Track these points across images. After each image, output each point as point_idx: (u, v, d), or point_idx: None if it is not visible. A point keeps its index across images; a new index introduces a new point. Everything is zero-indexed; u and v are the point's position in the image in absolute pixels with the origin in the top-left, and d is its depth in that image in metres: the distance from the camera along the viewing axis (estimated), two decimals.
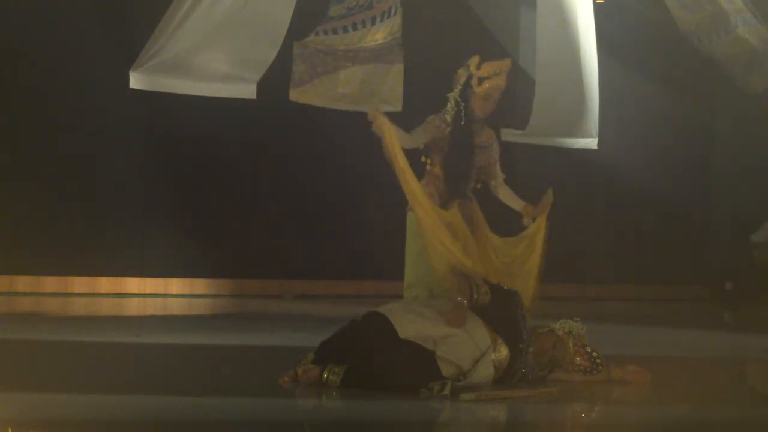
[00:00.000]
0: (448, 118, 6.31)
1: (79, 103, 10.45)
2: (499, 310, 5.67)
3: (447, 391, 5.13)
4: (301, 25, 10.84)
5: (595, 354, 5.80)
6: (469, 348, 5.42)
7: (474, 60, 6.35)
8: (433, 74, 11.78)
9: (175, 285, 10.85)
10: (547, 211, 6.31)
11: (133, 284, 10.67)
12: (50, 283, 10.36)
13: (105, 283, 10.56)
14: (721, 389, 6.21)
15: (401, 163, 6.02)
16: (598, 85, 12.10)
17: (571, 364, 5.78)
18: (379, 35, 11.19)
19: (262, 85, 10.55)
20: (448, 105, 6.36)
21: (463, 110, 6.29)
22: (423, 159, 6.47)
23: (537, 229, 6.29)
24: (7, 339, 6.98)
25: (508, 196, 6.53)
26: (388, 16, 11.21)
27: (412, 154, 6.37)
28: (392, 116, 11.54)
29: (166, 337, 7.47)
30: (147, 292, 10.66)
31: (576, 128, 12.19)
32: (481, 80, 6.29)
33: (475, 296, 5.66)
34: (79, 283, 10.46)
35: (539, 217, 6.32)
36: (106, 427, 4.44)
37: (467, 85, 6.30)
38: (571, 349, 5.77)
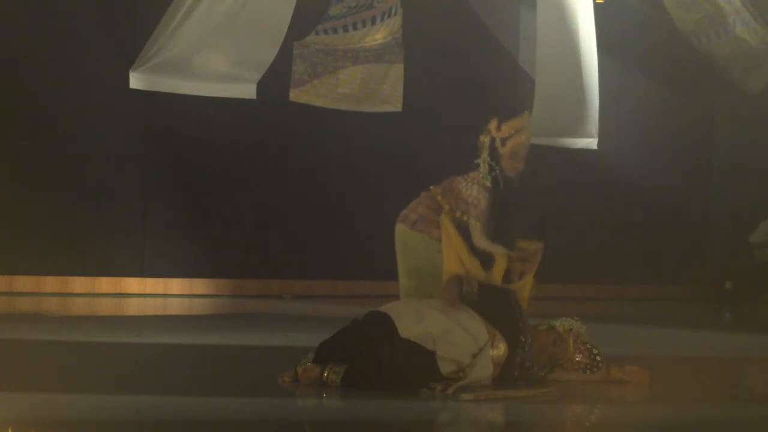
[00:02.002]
0: (488, 183, 6.34)
1: (79, 103, 10.44)
2: (496, 307, 5.69)
3: (450, 391, 5.14)
4: (301, 25, 10.85)
5: (595, 351, 5.80)
6: (468, 344, 5.42)
7: (493, 123, 6.37)
8: (433, 74, 11.89)
9: (175, 285, 10.85)
10: (535, 268, 6.28)
11: (133, 284, 10.67)
12: (50, 283, 10.36)
13: (105, 283, 10.56)
14: (721, 389, 6.21)
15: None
16: (598, 85, 12.12)
17: (571, 361, 5.78)
18: (379, 35, 11.21)
19: (262, 85, 10.56)
20: (481, 169, 6.37)
21: (498, 172, 6.33)
22: (431, 188, 6.52)
23: (524, 285, 6.28)
24: (7, 339, 6.98)
25: (485, 245, 6.52)
26: (389, 16, 11.22)
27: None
28: (392, 116, 11.67)
29: (166, 337, 7.46)
30: (147, 292, 10.66)
31: (576, 128, 12.21)
32: (504, 140, 6.32)
33: (465, 287, 5.70)
34: (79, 283, 10.46)
35: (527, 274, 6.29)
36: (106, 427, 4.44)
37: (493, 147, 6.33)
38: (571, 347, 5.77)
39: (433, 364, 5.28)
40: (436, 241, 6.39)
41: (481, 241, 6.29)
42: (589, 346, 5.81)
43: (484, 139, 6.39)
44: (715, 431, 5.05)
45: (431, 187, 6.54)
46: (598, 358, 5.80)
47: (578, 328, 5.84)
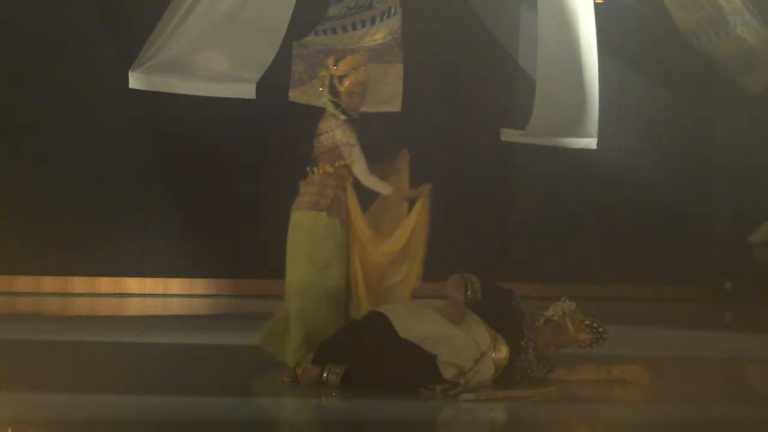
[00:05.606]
0: (341, 116, 6.38)
1: (79, 103, 10.44)
2: (497, 310, 5.68)
3: (452, 392, 5.14)
4: (301, 25, 10.85)
5: (595, 324, 5.84)
6: (470, 348, 5.42)
7: (330, 60, 6.43)
8: (433, 74, 11.88)
9: (175, 285, 10.85)
10: (422, 195, 6.34)
11: (133, 284, 10.66)
12: (50, 283, 10.36)
13: (105, 283, 10.56)
14: (721, 389, 6.22)
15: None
16: (598, 85, 12.11)
17: (577, 342, 5.82)
18: (378, 35, 11.20)
19: (261, 85, 10.55)
20: (328, 109, 6.42)
21: (343, 107, 6.37)
22: (309, 168, 6.59)
23: (413, 216, 6.33)
24: (7, 339, 6.98)
25: (370, 181, 6.55)
26: (388, 16, 11.22)
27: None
28: (392, 116, 11.66)
29: (166, 337, 7.47)
30: (147, 292, 10.65)
31: (576, 128, 12.20)
32: (341, 78, 6.35)
33: (469, 292, 5.69)
34: (79, 283, 10.46)
35: (418, 201, 6.35)
36: (106, 427, 4.44)
37: (332, 85, 6.36)
38: (572, 329, 5.80)
39: (434, 368, 5.28)
40: (324, 213, 6.43)
41: (367, 177, 6.31)
42: (588, 322, 5.85)
43: (324, 76, 6.42)
44: (715, 431, 5.05)
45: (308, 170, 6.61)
46: (600, 329, 5.84)
47: (569, 307, 5.88)
